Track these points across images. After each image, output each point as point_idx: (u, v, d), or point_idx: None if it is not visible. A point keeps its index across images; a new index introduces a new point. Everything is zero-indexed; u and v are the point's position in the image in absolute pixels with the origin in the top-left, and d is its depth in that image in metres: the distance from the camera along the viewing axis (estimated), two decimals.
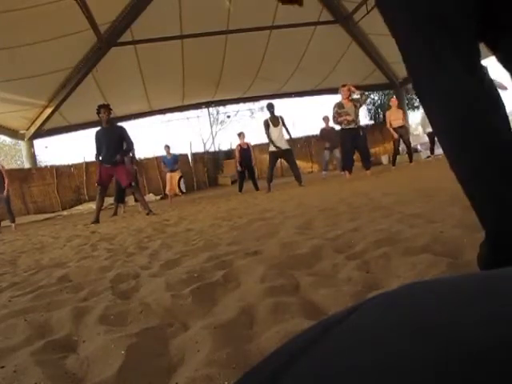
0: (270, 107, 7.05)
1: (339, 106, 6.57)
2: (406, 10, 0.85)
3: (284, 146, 7.02)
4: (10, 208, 7.27)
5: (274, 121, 6.98)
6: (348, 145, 6.63)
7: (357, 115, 6.58)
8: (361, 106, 6.72)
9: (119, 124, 6.15)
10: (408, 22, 0.86)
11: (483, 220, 0.81)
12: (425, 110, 0.88)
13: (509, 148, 0.75)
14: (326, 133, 8.87)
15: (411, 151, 8.40)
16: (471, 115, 0.78)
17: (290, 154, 7.15)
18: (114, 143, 5.51)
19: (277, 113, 7.12)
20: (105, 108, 5.53)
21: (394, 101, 8.14)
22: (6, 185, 7.03)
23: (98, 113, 5.55)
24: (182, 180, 9.29)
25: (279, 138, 6.98)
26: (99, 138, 5.54)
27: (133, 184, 5.85)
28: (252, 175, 7.95)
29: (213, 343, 0.85)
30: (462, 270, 1.10)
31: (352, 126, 6.52)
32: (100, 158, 5.61)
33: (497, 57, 0.87)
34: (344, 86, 6.63)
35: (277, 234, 2.24)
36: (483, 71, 0.80)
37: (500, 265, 0.73)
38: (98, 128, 5.67)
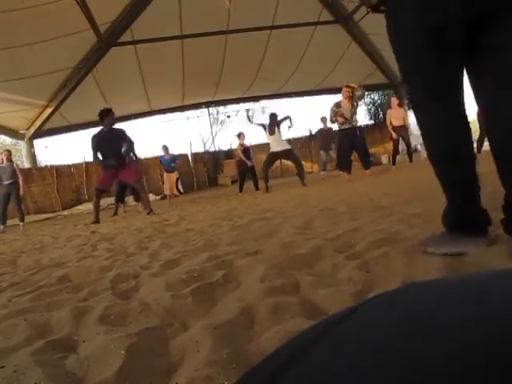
0: (273, 117, 7.11)
1: (336, 105, 6.55)
2: (409, 49, 1.19)
3: (283, 147, 7.07)
4: (20, 206, 7.20)
5: (271, 129, 7.04)
6: (345, 145, 6.56)
7: (352, 114, 6.49)
8: (357, 102, 6.60)
9: (117, 126, 6.14)
10: (411, 61, 1.19)
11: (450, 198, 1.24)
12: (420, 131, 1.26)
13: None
14: (323, 133, 8.91)
15: (411, 151, 8.37)
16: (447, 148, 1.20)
17: (290, 153, 7.18)
18: (117, 146, 5.49)
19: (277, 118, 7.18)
20: (111, 112, 5.50)
21: (394, 100, 8.11)
22: (20, 181, 6.98)
23: (105, 116, 5.43)
24: (180, 181, 9.29)
25: (277, 142, 7.07)
26: (101, 142, 5.43)
27: (140, 180, 5.88)
28: (253, 175, 7.97)
29: (213, 343, 0.85)
30: (461, 270, 1.10)
31: (347, 126, 6.47)
32: (103, 163, 5.56)
33: (468, 77, 1.20)
34: (348, 86, 6.57)
35: (277, 233, 2.24)
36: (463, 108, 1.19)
37: (461, 224, 1.21)
38: (99, 131, 5.55)
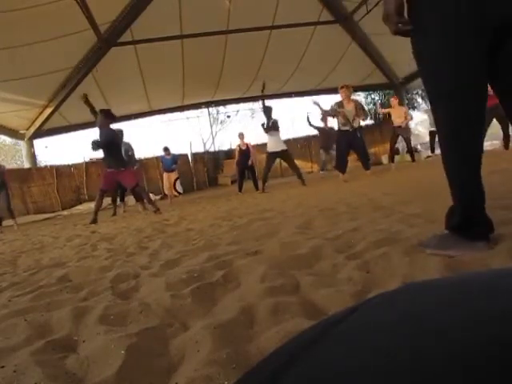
0: (269, 111, 7.14)
1: (339, 104, 6.40)
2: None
3: (281, 147, 7.14)
4: (10, 207, 7.19)
5: (269, 126, 7.08)
6: (342, 146, 6.48)
7: (354, 118, 6.37)
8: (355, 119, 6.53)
9: (117, 127, 6.13)
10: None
11: (456, 196, 1.25)
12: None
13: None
14: (323, 132, 8.93)
15: (412, 150, 8.37)
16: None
17: (286, 155, 7.26)
18: (114, 147, 5.54)
19: (273, 116, 7.22)
20: (103, 112, 5.57)
21: (394, 100, 8.12)
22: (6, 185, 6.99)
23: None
24: (179, 181, 9.30)
25: (275, 141, 7.13)
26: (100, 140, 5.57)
27: (139, 184, 5.95)
28: (253, 175, 7.99)
29: (213, 343, 0.85)
30: (461, 269, 1.10)
31: (347, 128, 6.37)
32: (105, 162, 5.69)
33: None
34: (342, 87, 6.48)
35: (277, 233, 2.24)
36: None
37: (464, 227, 1.23)
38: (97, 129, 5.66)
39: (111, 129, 5.73)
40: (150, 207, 5.93)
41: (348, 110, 6.34)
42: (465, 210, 1.23)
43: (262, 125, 7.17)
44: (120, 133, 6.34)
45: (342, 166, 6.57)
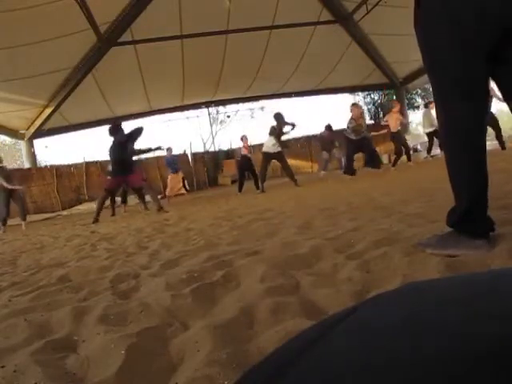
0: (279, 117, 7.38)
1: (353, 122, 7.00)
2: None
3: (273, 150, 7.38)
4: (23, 206, 7.16)
5: (280, 131, 7.40)
6: (351, 151, 7.19)
7: (365, 127, 7.17)
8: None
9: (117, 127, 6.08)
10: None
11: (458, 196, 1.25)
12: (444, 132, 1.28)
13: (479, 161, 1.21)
14: (325, 137, 9.13)
15: (409, 151, 8.54)
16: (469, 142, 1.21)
17: (281, 156, 7.47)
18: (120, 154, 5.57)
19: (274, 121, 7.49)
20: (115, 129, 5.65)
21: (395, 106, 8.19)
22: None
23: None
24: (185, 180, 9.51)
25: (272, 143, 7.38)
26: (110, 153, 5.72)
27: (144, 182, 6.03)
28: (253, 175, 8.06)
29: (213, 343, 0.86)
30: (461, 269, 1.10)
31: (358, 137, 7.05)
32: (112, 171, 5.82)
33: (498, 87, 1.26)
34: (354, 104, 7.16)
35: (277, 233, 2.24)
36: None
37: (466, 224, 1.23)
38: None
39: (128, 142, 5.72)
40: (154, 205, 5.93)
41: (360, 122, 7.04)
42: (467, 207, 1.22)
43: (274, 129, 7.37)
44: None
45: (351, 170, 7.30)
